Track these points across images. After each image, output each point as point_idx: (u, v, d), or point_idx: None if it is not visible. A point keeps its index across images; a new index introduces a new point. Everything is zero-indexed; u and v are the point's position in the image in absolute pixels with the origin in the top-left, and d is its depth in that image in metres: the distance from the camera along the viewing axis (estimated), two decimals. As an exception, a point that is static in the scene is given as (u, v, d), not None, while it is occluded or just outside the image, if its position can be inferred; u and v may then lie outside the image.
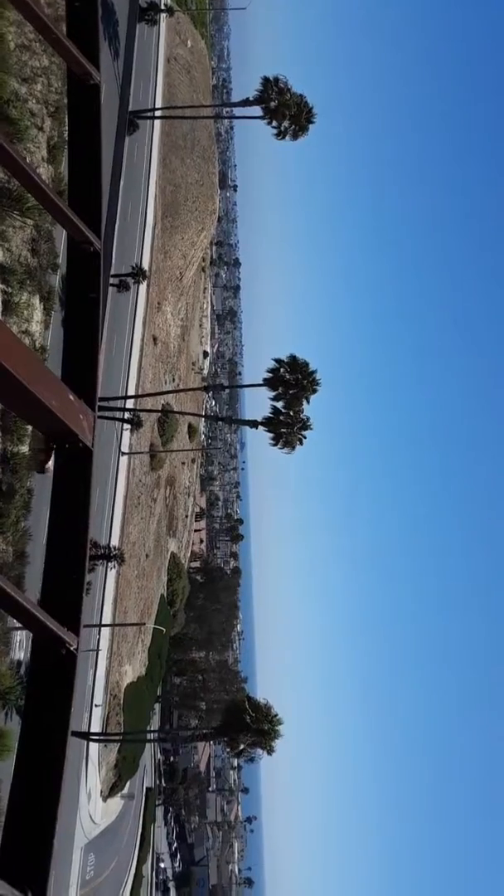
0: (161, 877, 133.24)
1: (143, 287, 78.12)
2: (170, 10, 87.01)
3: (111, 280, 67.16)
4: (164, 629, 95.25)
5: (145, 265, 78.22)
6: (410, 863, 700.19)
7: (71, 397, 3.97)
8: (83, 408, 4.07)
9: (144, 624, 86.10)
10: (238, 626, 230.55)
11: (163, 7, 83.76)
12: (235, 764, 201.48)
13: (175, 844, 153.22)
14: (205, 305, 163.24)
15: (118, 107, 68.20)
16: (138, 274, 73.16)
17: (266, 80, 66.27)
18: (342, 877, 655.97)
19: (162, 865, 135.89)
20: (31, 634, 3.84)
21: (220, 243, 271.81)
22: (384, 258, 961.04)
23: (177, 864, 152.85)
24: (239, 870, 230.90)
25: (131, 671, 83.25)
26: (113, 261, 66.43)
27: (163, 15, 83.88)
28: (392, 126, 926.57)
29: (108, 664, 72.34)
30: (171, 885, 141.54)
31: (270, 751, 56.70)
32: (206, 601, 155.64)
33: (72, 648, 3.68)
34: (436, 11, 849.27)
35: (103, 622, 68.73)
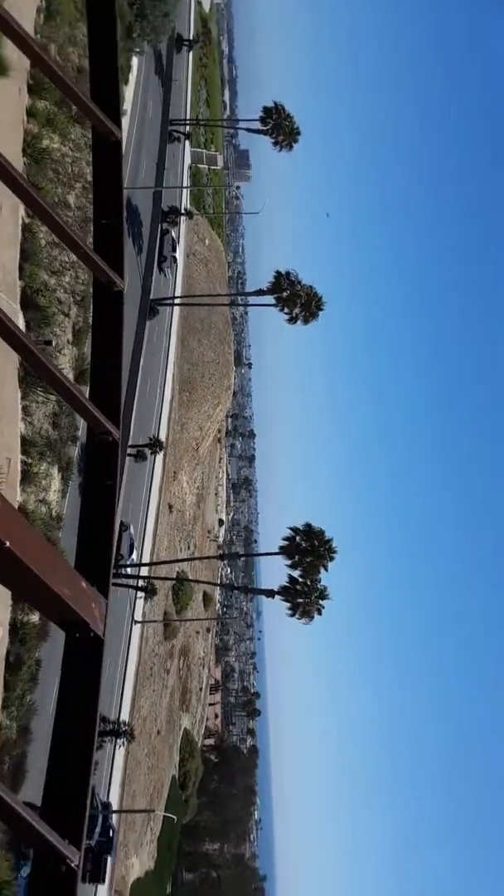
0: None
1: (159, 457, 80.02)
2: (189, 214, 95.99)
3: (129, 450, 69.03)
4: (174, 817, 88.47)
5: (162, 436, 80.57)
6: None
7: (83, 585, 3.95)
8: (96, 595, 4.03)
9: (154, 811, 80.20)
10: (255, 813, 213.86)
11: (183, 211, 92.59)
12: None
13: None
14: (220, 474, 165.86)
15: (140, 296, 73.48)
16: (155, 445, 75.26)
17: (279, 274, 72.40)
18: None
19: None
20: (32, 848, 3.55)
21: (236, 416, 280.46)
22: (396, 426, 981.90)
23: None
24: None
25: (139, 865, 76.69)
26: (131, 432, 68.59)
27: (183, 218, 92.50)
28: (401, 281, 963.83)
29: (114, 856, 66.74)
30: None
31: None
32: (220, 784, 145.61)
33: (72, 865, 3.30)
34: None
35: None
